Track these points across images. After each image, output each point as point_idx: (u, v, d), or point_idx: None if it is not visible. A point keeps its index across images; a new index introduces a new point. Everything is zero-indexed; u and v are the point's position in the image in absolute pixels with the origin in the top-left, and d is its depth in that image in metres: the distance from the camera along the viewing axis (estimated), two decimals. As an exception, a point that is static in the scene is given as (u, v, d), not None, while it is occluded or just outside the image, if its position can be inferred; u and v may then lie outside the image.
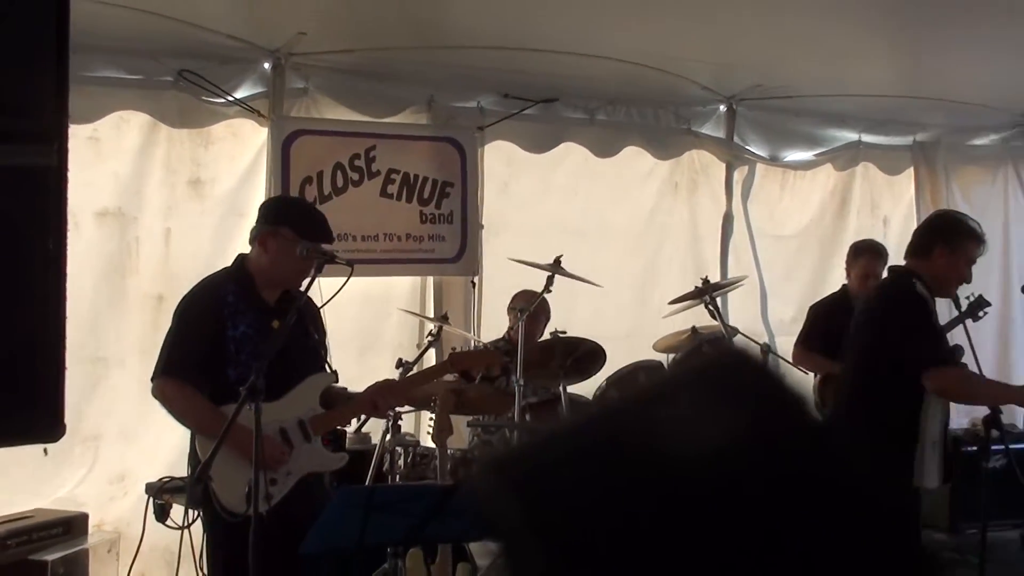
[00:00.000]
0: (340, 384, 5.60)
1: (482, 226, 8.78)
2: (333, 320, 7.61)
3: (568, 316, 7.50)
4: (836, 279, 9.37)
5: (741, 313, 9.60)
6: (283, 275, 5.20)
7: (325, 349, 5.49)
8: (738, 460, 1.02)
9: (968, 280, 6.14)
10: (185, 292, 5.42)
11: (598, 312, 8.36)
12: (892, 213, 11.18)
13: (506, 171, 9.05)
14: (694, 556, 0.97)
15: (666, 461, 1.02)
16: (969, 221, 6.12)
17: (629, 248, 9.49)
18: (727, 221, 10.08)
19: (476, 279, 8.18)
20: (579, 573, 1.00)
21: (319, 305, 5.44)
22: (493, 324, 8.04)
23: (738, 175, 10.18)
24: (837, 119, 10.54)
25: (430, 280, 8.73)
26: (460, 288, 8.34)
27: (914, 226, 10.91)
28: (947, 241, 5.96)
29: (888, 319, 6.06)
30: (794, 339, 9.13)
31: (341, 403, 5.42)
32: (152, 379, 5.14)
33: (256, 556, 4.43)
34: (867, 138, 10.83)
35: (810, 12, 7.81)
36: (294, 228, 5.16)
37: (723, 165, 10.04)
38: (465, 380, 5.75)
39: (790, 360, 8.30)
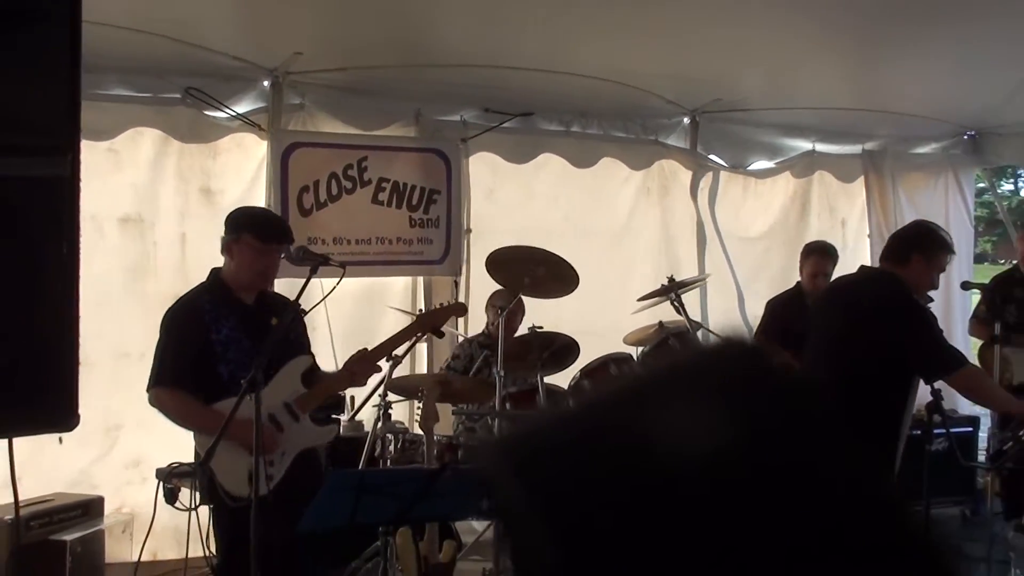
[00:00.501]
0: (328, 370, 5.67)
1: (469, 230, 8.81)
2: (334, 317, 7.72)
3: (549, 312, 7.52)
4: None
5: (719, 311, 9.77)
6: (250, 277, 5.28)
7: (303, 334, 5.50)
8: (737, 450, 0.99)
9: (937, 287, 6.17)
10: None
11: (576, 308, 8.38)
12: (848, 215, 11.26)
13: (491, 179, 9.10)
14: (695, 539, 0.96)
15: (666, 449, 0.99)
16: (943, 233, 6.16)
17: (606, 249, 9.51)
18: (699, 225, 10.15)
19: (459, 279, 8.17)
20: (582, 556, 0.98)
21: (317, 300, 5.47)
22: (481, 319, 8.05)
23: (704, 182, 10.20)
24: (793, 130, 10.60)
25: (420, 280, 8.77)
26: (449, 287, 8.36)
27: (867, 228, 11.08)
28: (924, 250, 5.96)
29: (889, 321, 5.95)
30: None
31: (325, 378, 5.47)
32: (147, 390, 5.20)
33: (258, 536, 4.46)
34: (820, 147, 10.89)
35: (766, 31, 7.87)
36: (254, 233, 5.24)
37: (690, 173, 10.08)
38: (435, 335, 5.79)
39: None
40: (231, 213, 5.50)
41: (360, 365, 5.55)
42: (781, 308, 8.29)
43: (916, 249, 5.96)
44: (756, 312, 9.96)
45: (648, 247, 9.74)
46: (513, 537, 1.06)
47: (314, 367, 5.40)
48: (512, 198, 9.19)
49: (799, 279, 8.54)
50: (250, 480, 4.78)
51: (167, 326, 5.23)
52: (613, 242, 9.63)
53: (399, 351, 6.78)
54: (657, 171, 9.89)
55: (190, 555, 5.40)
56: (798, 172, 10.87)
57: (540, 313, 7.27)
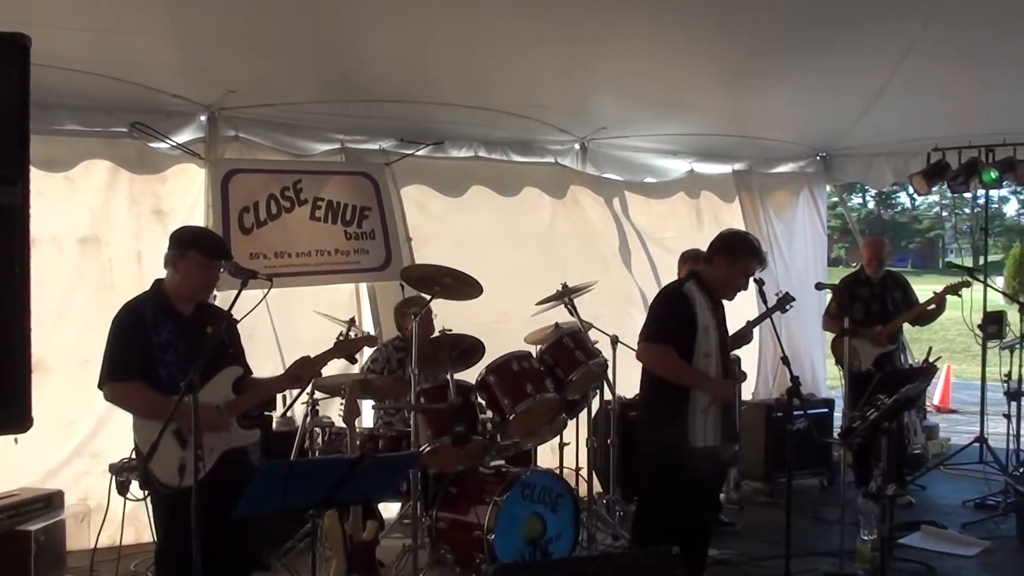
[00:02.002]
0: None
1: (411, 239, 8.75)
2: (285, 324, 7.70)
3: (465, 314, 7.51)
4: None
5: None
6: (191, 289, 5.19)
7: (237, 345, 5.44)
8: None
9: (744, 288, 6.15)
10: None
11: (498, 310, 8.40)
12: (732, 224, 11.22)
13: (422, 197, 9.07)
14: None
15: None
16: (751, 241, 6.16)
17: (530, 253, 9.51)
18: (621, 233, 10.26)
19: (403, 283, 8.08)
20: None
21: (249, 310, 5.40)
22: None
23: (608, 196, 10.27)
24: (670, 153, 10.69)
25: (364, 287, 8.74)
26: (391, 291, 8.27)
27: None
28: (726, 254, 6.01)
29: (652, 307, 6.30)
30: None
31: (254, 386, 5.38)
32: (100, 387, 5.09)
33: (197, 523, 4.40)
34: (698, 167, 10.99)
35: (645, 67, 7.93)
36: (199, 250, 5.17)
37: (601, 195, 10.19)
38: (348, 361, 5.76)
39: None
40: (177, 231, 5.44)
41: (304, 369, 5.48)
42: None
43: (719, 251, 6.04)
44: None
45: (566, 252, 9.72)
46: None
47: (244, 376, 5.32)
48: (444, 209, 9.17)
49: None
50: (180, 471, 4.77)
51: (116, 327, 5.13)
52: (538, 246, 9.63)
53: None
54: (569, 190, 9.94)
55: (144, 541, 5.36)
56: (689, 193, 11.05)
57: (449, 318, 7.24)
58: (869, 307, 9.29)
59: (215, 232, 5.54)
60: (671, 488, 5.82)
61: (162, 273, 5.28)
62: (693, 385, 5.85)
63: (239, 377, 5.20)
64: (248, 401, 5.25)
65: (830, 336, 9.58)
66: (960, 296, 9.28)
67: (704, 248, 6.44)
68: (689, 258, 8.20)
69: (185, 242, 5.24)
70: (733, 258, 5.98)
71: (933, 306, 9.30)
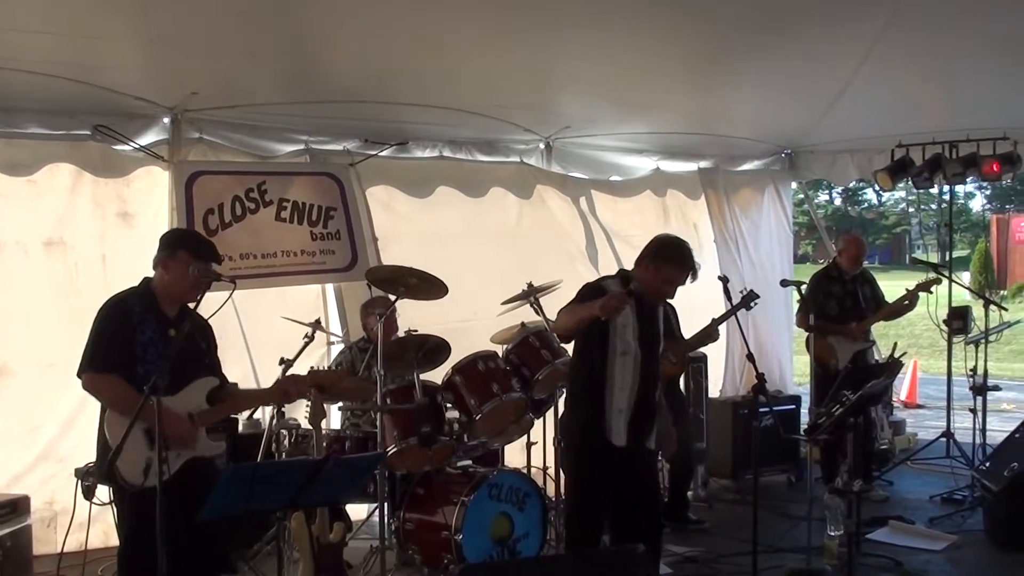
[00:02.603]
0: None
1: (376, 239, 8.73)
2: (253, 325, 7.70)
3: (431, 314, 7.51)
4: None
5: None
6: (180, 291, 5.16)
7: (214, 357, 5.42)
8: None
9: (669, 296, 5.96)
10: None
11: (464, 310, 8.40)
12: (698, 221, 11.40)
13: (387, 196, 9.03)
14: None
15: None
16: (681, 250, 5.82)
17: (497, 252, 9.49)
18: (587, 231, 10.26)
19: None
20: None
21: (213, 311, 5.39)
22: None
23: (574, 195, 10.28)
24: (636, 151, 10.70)
25: (331, 288, 8.71)
26: (358, 292, 8.26)
27: (711, 235, 11.28)
28: (653, 259, 5.76)
29: None
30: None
31: (234, 397, 5.37)
32: (79, 375, 5.05)
33: (161, 520, 4.39)
34: (663, 165, 11.01)
35: (609, 68, 7.94)
36: (189, 251, 5.16)
37: (567, 194, 10.20)
38: (318, 391, 5.73)
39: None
40: (167, 233, 5.52)
41: (293, 386, 5.53)
42: None
43: (647, 257, 5.78)
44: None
45: (534, 252, 9.71)
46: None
47: (219, 388, 5.29)
48: (409, 209, 9.13)
49: None
50: (145, 471, 4.74)
51: (103, 317, 5.10)
52: (503, 246, 9.60)
53: (289, 356, 6.75)
54: (536, 188, 9.94)
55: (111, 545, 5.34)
56: (656, 191, 11.03)
57: (416, 317, 7.24)
58: (843, 304, 9.34)
59: (202, 235, 5.52)
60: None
61: (127, 276, 5.27)
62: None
63: (214, 388, 5.17)
64: (222, 412, 5.24)
65: (804, 334, 9.61)
66: (931, 293, 9.35)
67: None
68: None
69: (174, 242, 5.26)
70: (658, 265, 5.74)
71: (906, 302, 9.38)
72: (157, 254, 5.23)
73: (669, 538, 8.05)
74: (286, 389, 5.55)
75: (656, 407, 5.95)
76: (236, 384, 5.54)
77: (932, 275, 9.32)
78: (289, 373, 5.52)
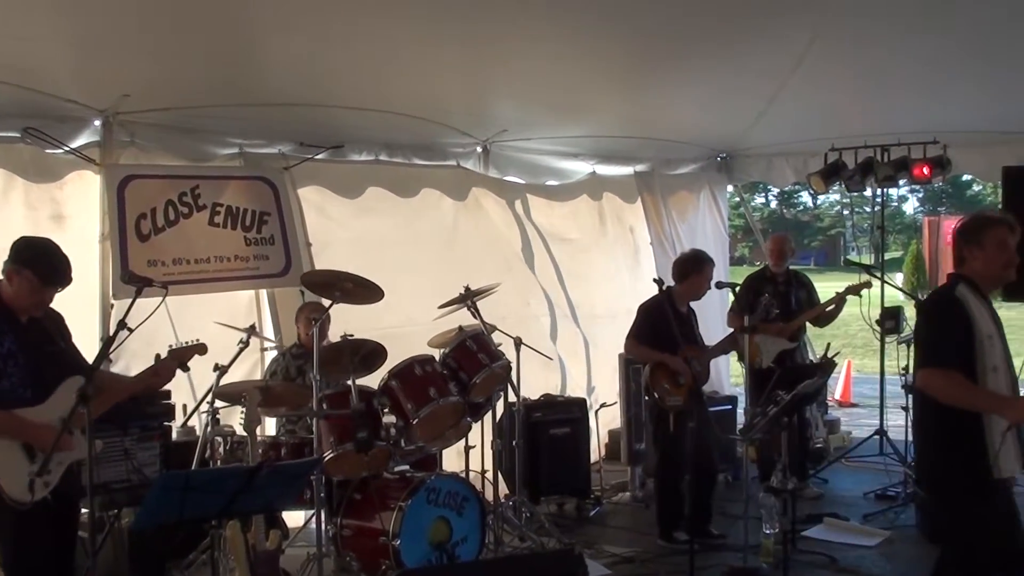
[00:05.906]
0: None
1: (310, 244, 8.66)
2: (187, 331, 7.52)
3: (367, 319, 7.47)
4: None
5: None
6: (24, 306, 5.07)
7: (74, 351, 5.33)
8: None
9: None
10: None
11: (400, 314, 8.36)
12: (635, 224, 11.55)
13: (320, 199, 8.96)
14: None
15: None
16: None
17: (433, 256, 9.45)
18: (523, 235, 10.31)
19: (303, 289, 7.93)
20: None
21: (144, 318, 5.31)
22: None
23: (510, 198, 10.31)
24: (573, 155, 10.73)
25: (264, 293, 8.60)
26: (292, 298, 8.20)
27: (648, 237, 11.36)
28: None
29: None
30: (607, 328, 9.89)
31: (109, 388, 5.32)
32: None
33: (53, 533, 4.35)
34: (600, 169, 11.05)
35: (546, 71, 7.94)
36: (35, 272, 5.03)
37: (503, 198, 10.23)
38: (181, 369, 5.66)
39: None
40: (18, 243, 5.19)
41: (165, 366, 5.51)
42: (653, 311, 7.84)
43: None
44: (578, 300, 10.62)
45: (472, 255, 9.71)
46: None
47: (88, 384, 5.15)
48: (343, 213, 9.08)
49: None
50: (31, 486, 4.67)
51: None
52: (439, 250, 9.57)
53: (224, 362, 6.66)
54: (471, 191, 9.94)
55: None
56: (592, 195, 11.15)
57: (352, 322, 7.19)
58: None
59: (61, 254, 5.28)
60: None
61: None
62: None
63: (81, 387, 5.01)
64: (97, 409, 5.05)
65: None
66: (861, 296, 9.48)
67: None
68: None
69: (23, 259, 5.08)
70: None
71: (833, 306, 9.52)
72: (6, 262, 5.10)
73: (605, 537, 8.11)
74: (157, 370, 5.49)
75: None
76: (108, 370, 5.55)
77: (864, 277, 9.46)
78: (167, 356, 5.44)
